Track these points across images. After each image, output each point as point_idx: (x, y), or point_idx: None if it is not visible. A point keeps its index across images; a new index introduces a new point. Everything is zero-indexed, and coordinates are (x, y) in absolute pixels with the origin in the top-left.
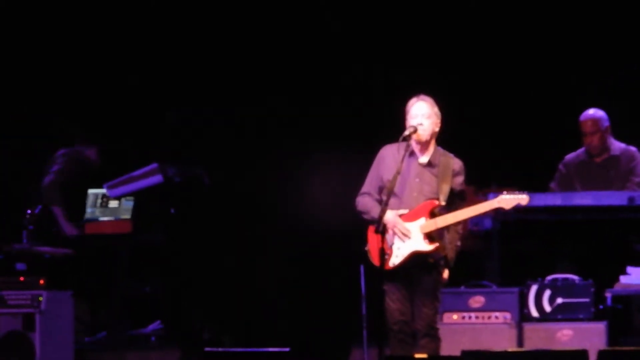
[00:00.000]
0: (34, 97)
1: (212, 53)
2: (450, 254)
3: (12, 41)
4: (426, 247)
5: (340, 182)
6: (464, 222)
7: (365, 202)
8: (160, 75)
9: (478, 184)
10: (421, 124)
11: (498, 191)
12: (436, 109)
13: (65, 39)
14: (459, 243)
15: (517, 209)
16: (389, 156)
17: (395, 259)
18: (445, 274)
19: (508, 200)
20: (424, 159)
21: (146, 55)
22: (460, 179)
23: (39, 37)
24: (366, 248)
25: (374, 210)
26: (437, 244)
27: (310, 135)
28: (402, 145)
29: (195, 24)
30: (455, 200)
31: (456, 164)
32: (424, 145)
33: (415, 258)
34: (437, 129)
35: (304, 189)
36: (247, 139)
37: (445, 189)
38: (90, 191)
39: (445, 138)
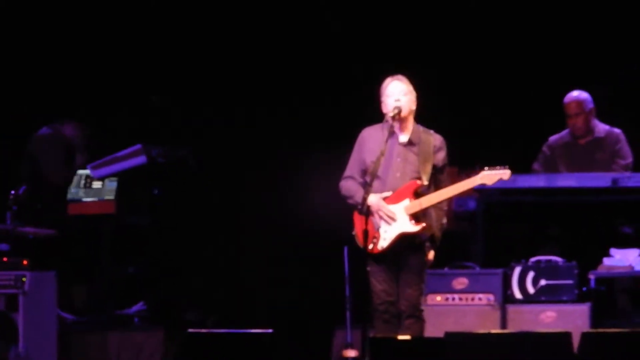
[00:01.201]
0: (13, 76)
1: (199, 37)
2: (437, 233)
3: None
4: (413, 228)
5: (325, 166)
6: (449, 201)
7: (349, 186)
8: (147, 58)
9: (461, 165)
10: (399, 100)
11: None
12: (411, 87)
13: (50, 19)
14: (445, 221)
15: (502, 190)
16: (370, 138)
17: (383, 242)
18: (431, 254)
19: (490, 175)
20: (404, 137)
21: (133, 37)
22: (442, 154)
23: (21, 16)
24: (353, 232)
25: (358, 194)
26: (423, 224)
27: (297, 120)
28: (385, 125)
29: (185, 8)
30: (440, 177)
31: (437, 139)
32: (403, 124)
33: (403, 240)
34: (414, 107)
35: (289, 173)
36: (234, 124)
37: (428, 168)
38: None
39: (428, 119)
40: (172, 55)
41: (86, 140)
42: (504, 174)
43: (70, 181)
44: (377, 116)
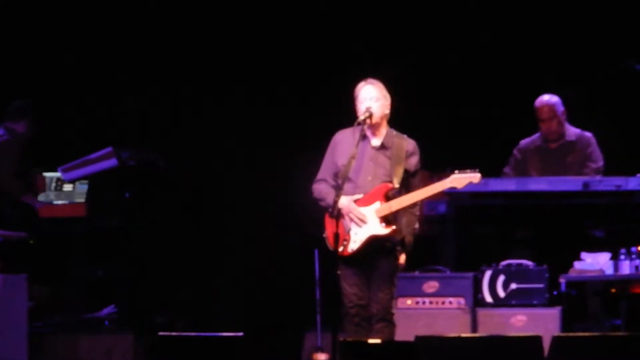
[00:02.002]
0: None
1: (171, 38)
2: (408, 237)
3: None
4: (383, 230)
5: (296, 169)
6: (421, 205)
7: (321, 189)
8: (120, 60)
9: (432, 168)
10: (370, 107)
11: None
12: (385, 92)
13: (20, 17)
14: (417, 226)
15: (473, 194)
16: (342, 141)
17: (353, 245)
18: (402, 258)
19: (460, 179)
20: (376, 141)
21: (105, 38)
22: (415, 159)
23: None
24: (324, 235)
25: (330, 197)
26: (393, 227)
27: (269, 122)
28: (356, 129)
29: (156, 8)
30: (412, 181)
31: (410, 144)
32: (376, 128)
33: (373, 242)
34: (387, 111)
35: (260, 175)
36: (203, 125)
37: (399, 172)
38: (45, 174)
39: (399, 123)
40: (144, 57)
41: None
42: (474, 177)
43: (26, 185)
44: (352, 119)
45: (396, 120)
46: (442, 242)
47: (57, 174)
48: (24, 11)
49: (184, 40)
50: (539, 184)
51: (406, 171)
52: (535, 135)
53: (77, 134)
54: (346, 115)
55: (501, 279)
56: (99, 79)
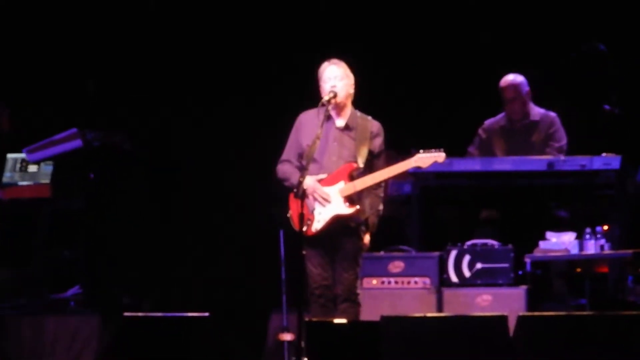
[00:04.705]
0: None
1: (133, 21)
2: (372, 218)
3: None
4: (346, 210)
5: (261, 148)
6: (386, 186)
7: (285, 170)
8: (83, 42)
9: (397, 148)
10: (335, 86)
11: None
12: (348, 71)
13: None
14: (380, 207)
15: (437, 174)
16: (307, 122)
17: (317, 224)
18: (366, 239)
19: (425, 158)
20: (340, 122)
21: (69, 20)
22: (379, 141)
23: None
24: (288, 214)
25: (294, 177)
26: (357, 207)
27: (234, 103)
28: (321, 110)
29: None
30: (376, 163)
31: (374, 125)
32: (341, 109)
33: (337, 222)
34: (351, 91)
35: (225, 155)
36: (168, 106)
37: (364, 152)
38: (9, 155)
39: (363, 102)
40: (107, 40)
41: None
42: (438, 156)
43: None
44: (317, 100)
45: (361, 99)
46: (407, 223)
47: (22, 155)
48: None
49: (144, 24)
50: (503, 163)
51: (370, 152)
52: (500, 115)
53: (42, 116)
54: (311, 96)
55: (466, 258)
56: (61, 62)
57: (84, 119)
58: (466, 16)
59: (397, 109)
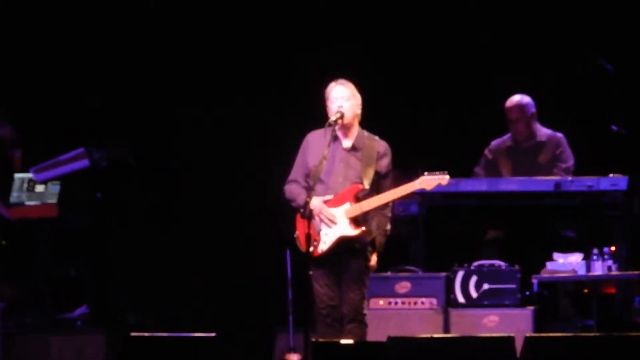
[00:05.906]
0: None
1: (135, 36)
2: (379, 238)
3: None
4: (352, 231)
5: (268, 169)
6: (392, 206)
7: (292, 190)
8: (85, 60)
9: (403, 169)
10: (342, 106)
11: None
12: (355, 91)
13: None
14: (388, 227)
15: (444, 194)
16: (314, 142)
17: (323, 245)
18: (373, 259)
19: (429, 180)
20: (347, 142)
21: (71, 38)
22: (386, 161)
23: None
24: (295, 235)
25: (301, 197)
26: (363, 228)
27: (240, 120)
28: (328, 130)
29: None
30: (383, 183)
31: (381, 146)
32: (347, 129)
33: (343, 243)
34: (358, 112)
35: (232, 175)
36: (173, 122)
37: (370, 173)
38: (17, 175)
39: (370, 123)
40: (109, 55)
41: (17, 135)
42: (442, 179)
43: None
44: (324, 118)
45: (368, 119)
46: (414, 243)
47: (29, 175)
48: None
49: (151, 37)
50: (510, 184)
51: (377, 173)
52: (506, 136)
53: (49, 134)
54: (319, 116)
55: (473, 279)
56: (66, 78)
57: (90, 134)
58: (472, 37)
59: (405, 129)
